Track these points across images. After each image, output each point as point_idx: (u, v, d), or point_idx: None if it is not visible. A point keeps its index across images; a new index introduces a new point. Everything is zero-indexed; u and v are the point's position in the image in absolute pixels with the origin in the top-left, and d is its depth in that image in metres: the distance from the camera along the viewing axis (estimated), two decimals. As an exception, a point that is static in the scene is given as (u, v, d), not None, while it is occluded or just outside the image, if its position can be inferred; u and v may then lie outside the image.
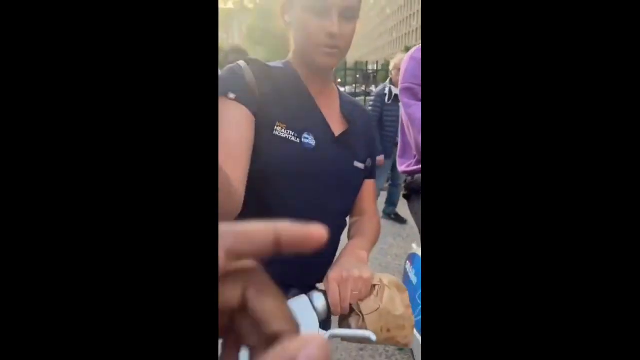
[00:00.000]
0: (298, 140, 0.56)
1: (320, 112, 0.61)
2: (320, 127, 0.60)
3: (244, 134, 0.52)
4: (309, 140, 0.57)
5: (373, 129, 0.75)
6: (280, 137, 0.55)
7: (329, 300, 0.50)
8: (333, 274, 0.51)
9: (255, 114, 0.54)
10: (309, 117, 0.59)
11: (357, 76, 8.68)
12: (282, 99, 0.57)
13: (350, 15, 0.54)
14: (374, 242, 0.64)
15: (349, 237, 0.66)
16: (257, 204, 0.55)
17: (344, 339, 0.51)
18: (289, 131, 0.56)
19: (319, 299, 0.50)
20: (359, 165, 0.64)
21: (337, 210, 0.63)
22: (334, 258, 0.61)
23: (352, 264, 0.53)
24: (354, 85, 8.02)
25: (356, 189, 0.66)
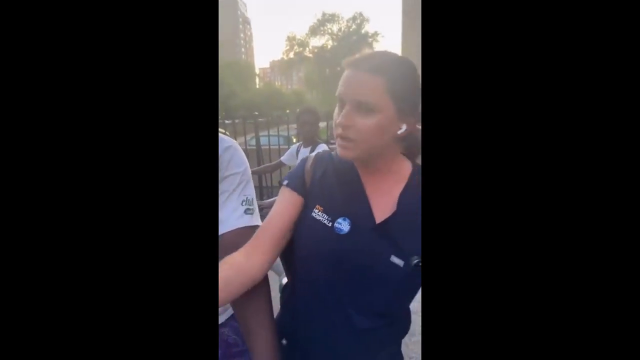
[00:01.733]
0: (330, 224, 0.57)
1: (365, 196, 0.58)
2: (360, 212, 0.57)
3: (283, 210, 0.61)
4: (342, 225, 0.57)
5: None
6: (316, 220, 0.58)
7: None
8: None
9: (304, 196, 0.61)
10: (351, 202, 0.58)
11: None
12: (330, 184, 0.60)
13: (364, 109, 0.52)
14: None
15: None
16: (292, 281, 0.63)
17: None
18: (324, 215, 0.58)
19: None
20: (396, 261, 0.55)
21: (366, 305, 0.58)
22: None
23: None
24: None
25: (394, 287, 0.57)
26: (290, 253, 0.63)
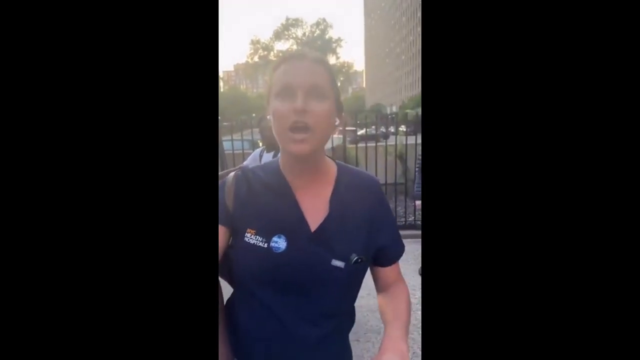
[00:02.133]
0: (266, 245, 0.56)
1: (298, 208, 0.57)
2: (296, 225, 0.57)
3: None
4: (278, 243, 0.56)
5: (383, 206, 0.63)
6: (249, 244, 0.56)
7: None
8: None
9: (229, 226, 0.58)
10: (284, 217, 0.57)
11: (376, 118, 9.07)
12: (257, 202, 0.58)
13: (318, 94, 0.52)
14: (408, 321, 0.59)
15: (382, 317, 0.60)
16: (235, 300, 0.61)
17: None
18: (257, 237, 0.56)
19: None
20: (337, 264, 0.56)
21: (315, 311, 0.58)
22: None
23: None
24: (373, 127, 8.24)
25: (339, 288, 0.58)
26: (229, 275, 0.62)
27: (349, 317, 0.66)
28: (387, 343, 0.52)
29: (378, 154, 3.67)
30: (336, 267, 0.56)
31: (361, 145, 4.08)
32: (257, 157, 2.26)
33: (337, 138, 4.06)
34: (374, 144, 3.88)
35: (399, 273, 0.66)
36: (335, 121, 0.56)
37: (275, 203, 0.58)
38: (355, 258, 0.57)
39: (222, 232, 0.58)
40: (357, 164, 3.59)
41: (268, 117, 0.56)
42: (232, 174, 0.63)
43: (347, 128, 4.07)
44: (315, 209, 0.58)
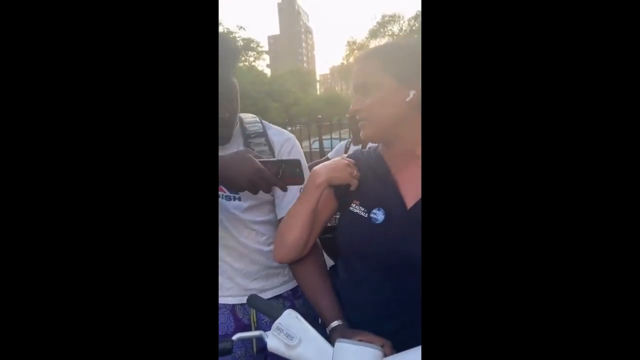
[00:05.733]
0: (367, 215, 0.62)
1: (395, 185, 0.64)
2: (393, 202, 0.62)
3: (321, 207, 0.68)
4: (377, 215, 0.62)
5: None
6: (353, 213, 0.64)
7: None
8: None
9: (338, 199, 0.69)
10: (382, 192, 0.64)
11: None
12: (363, 179, 0.66)
13: (364, 91, 0.63)
14: None
15: None
16: (340, 276, 0.68)
17: None
18: (360, 207, 0.64)
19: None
20: None
21: (410, 289, 0.58)
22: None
23: None
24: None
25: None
26: (333, 244, 0.70)
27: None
28: None
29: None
30: None
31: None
32: (341, 149, 2.36)
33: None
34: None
35: None
36: (406, 96, 0.62)
37: (376, 181, 0.66)
38: None
39: (332, 203, 0.69)
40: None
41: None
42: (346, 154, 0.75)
43: None
44: (411, 190, 0.63)
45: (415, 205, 0.62)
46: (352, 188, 0.65)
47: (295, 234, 0.66)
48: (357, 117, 0.65)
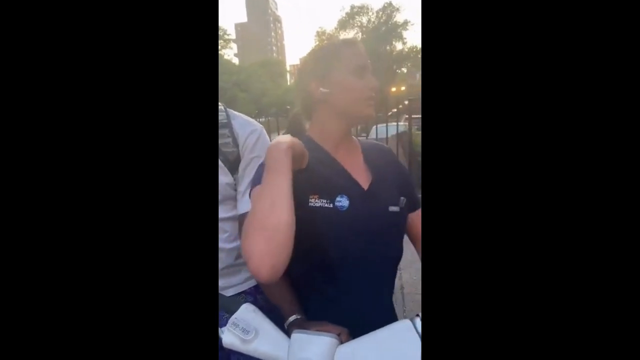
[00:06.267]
0: (332, 205, 0.63)
1: (347, 172, 0.67)
2: (350, 185, 0.66)
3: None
4: (342, 202, 0.64)
5: (399, 164, 0.78)
6: (315, 207, 0.63)
7: None
8: None
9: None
10: (338, 180, 0.66)
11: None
12: (311, 173, 0.64)
13: (366, 71, 0.68)
14: None
15: None
16: (318, 268, 0.66)
17: None
18: (322, 200, 0.64)
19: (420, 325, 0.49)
20: (393, 209, 0.68)
21: (389, 257, 0.68)
22: (384, 299, 0.68)
23: None
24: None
25: (399, 231, 0.70)
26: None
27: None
28: None
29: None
30: (394, 212, 0.68)
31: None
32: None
33: (402, 125, 3.96)
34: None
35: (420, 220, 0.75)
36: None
37: (327, 171, 0.67)
38: (404, 200, 0.70)
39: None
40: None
41: (321, 89, 0.66)
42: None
43: (412, 116, 3.95)
44: (359, 175, 0.68)
45: (370, 186, 0.67)
46: (303, 166, 0.61)
47: (283, 215, 0.48)
48: (374, 95, 0.67)
